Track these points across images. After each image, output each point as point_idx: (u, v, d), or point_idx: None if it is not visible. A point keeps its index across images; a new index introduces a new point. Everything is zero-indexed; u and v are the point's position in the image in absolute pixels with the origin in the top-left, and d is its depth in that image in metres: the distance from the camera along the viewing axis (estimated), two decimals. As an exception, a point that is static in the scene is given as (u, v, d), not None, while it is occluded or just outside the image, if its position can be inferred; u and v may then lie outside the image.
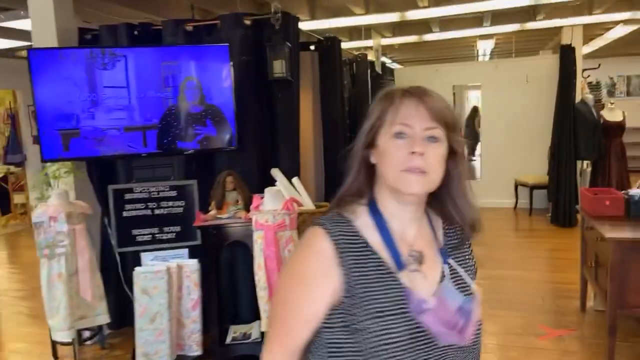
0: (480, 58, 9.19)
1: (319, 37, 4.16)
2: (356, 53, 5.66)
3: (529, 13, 6.11)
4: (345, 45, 6.95)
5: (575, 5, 5.77)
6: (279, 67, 3.02)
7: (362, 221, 0.94)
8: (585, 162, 6.44)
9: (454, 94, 11.92)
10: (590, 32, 7.36)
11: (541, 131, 6.68)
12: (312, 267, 0.91)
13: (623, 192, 3.31)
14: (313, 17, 4.97)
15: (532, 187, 6.59)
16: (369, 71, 6.15)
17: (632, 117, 6.42)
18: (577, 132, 5.93)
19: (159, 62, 2.91)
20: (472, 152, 9.35)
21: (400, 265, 0.91)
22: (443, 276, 0.94)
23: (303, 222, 2.85)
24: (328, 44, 4.13)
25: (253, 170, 3.15)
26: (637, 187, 3.33)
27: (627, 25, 6.24)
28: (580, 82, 6.27)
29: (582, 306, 3.58)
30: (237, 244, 2.99)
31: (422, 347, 0.88)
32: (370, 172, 0.95)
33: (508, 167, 7.05)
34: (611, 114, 6.14)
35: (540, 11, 5.75)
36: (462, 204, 0.95)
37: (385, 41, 6.73)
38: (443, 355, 0.90)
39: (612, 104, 6.31)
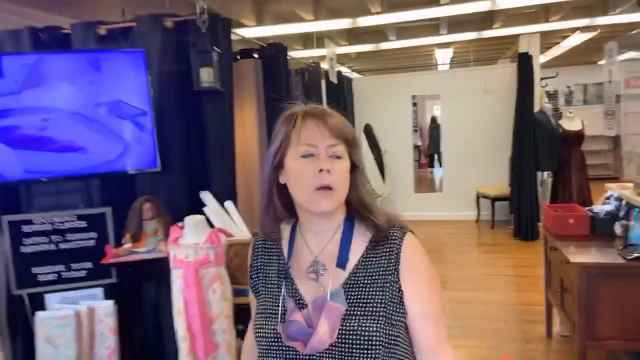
0: (440, 67, 9.05)
1: (261, 44, 3.81)
2: (309, 62, 5.34)
3: (485, 21, 5.96)
4: (298, 54, 6.66)
5: (531, 13, 5.64)
6: (206, 76, 2.64)
7: (285, 233, 1.08)
8: (545, 173, 6.30)
9: (414, 104, 11.87)
10: (548, 40, 7.31)
11: (502, 141, 6.53)
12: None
13: (587, 208, 3.08)
14: (261, 23, 4.63)
15: (494, 199, 6.41)
16: (323, 81, 5.86)
17: (590, 125, 6.33)
18: (537, 142, 5.78)
19: (63, 71, 2.48)
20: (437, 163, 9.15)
21: (285, 275, 1.03)
22: (339, 286, 0.98)
23: (235, 256, 2.47)
24: (272, 51, 3.78)
25: (179, 194, 2.75)
26: (601, 203, 3.10)
27: (584, 32, 6.16)
28: (538, 91, 6.15)
29: (547, 332, 3.32)
30: (162, 281, 2.58)
31: (283, 351, 0.97)
32: (284, 191, 1.02)
33: (469, 178, 6.87)
34: (570, 123, 6.02)
35: (496, 19, 5.60)
36: (366, 212, 1.01)
37: (341, 50, 6.46)
38: None
39: (570, 112, 6.20)
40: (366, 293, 0.96)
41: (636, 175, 2.97)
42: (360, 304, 0.96)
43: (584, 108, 9.71)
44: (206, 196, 2.69)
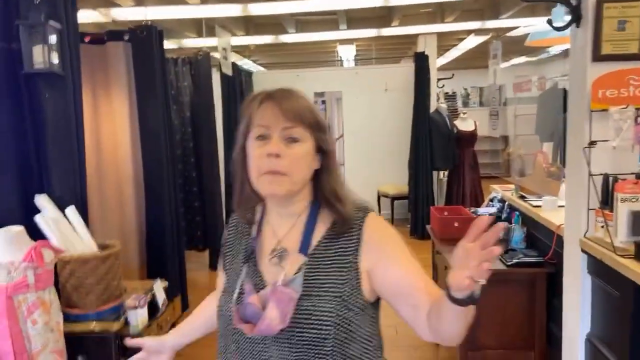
0: (345, 64, 8.99)
1: (132, 27, 3.34)
2: (197, 51, 4.91)
3: (384, 19, 5.90)
4: (191, 42, 6.18)
5: (428, 13, 5.66)
6: (40, 56, 2.17)
7: (257, 216, 1.08)
8: (441, 172, 6.41)
9: (323, 101, 11.77)
10: (445, 42, 7.46)
11: (402, 141, 6.55)
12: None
13: (472, 210, 3.02)
14: (140, 4, 4.14)
15: (394, 198, 6.41)
16: (219, 73, 5.46)
17: (483, 126, 6.55)
18: (433, 142, 5.85)
19: None
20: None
21: (246, 258, 1.04)
22: (298, 271, 0.96)
23: (71, 275, 2.04)
24: (144, 34, 3.33)
25: (9, 199, 2.25)
26: (486, 204, 3.06)
27: (478, 35, 6.33)
28: (435, 92, 6.23)
29: (435, 337, 3.24)
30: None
31: (238, 332, 0.97)
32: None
33: (371, 177, 6.83)
34: (464, 124, 6.17)
35: (394, 17, 5.55)
36: (333, 199, 0.99)
37: (238, 41, 6.08)
38: (252, 344, 0.97)
39: (464, 113, 6.36)
40: (324, 275, 0.95)
41: (517, 176, 2.95)
42: (316, 285, 0.95)
43: (479, 109, 10.20)
44: (42, 201, 2.22)
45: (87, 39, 3.25)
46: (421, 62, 5.89)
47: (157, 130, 3.41)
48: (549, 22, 1.92)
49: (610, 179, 1.77)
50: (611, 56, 1.78)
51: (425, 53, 5.93)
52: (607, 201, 1.79)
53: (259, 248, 1.04)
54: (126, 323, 2.08)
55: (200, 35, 6.16)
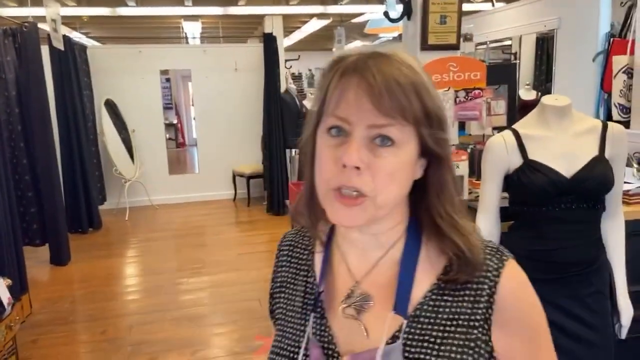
0: (191, 42, 8.69)
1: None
2: (22, 22, 4.33)
3: (231, -3, 5.89)
4: (10, 11, 5.40)
5: (274, -5, 5.81)
6: None
7: (322, 238, 0.72)
8: (293, 150, 6.70)
9: (167, 79, 11.23)
10: (290, 24, 7.70)
11: (254, 120, 6.67)
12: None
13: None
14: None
15: (249, 177, 6.53)
16: (46, 47, 4.88)
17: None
18: (284, 121, 6.08)
19: None
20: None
21: (310, 306, 0.69)
22: (395, 337, 0.62)
23: None
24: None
25: None
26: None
27: (320, 19, 6.67)
28: (284, 72, 6.44)
29: (297, 303, 3.47)
30: None
31: None
32: None
33: (225, 157, 6.84)
34: (310, 104, 6.51)
35: (242, -4, 5.58)
36: (446, 228, 0.63)
37: (69, 11, 5.48)
38: None
39: (312, 94, 6.70)
40: (433, 351, 0.61)
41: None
42: None
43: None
44: None
45: None
46: (270, 43, 6.02)
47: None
48: (386, 14, 2.17)
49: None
50: (435, 46, 2.11)
51: (273, 34, 6.08)
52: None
53: (327, 290, 0.70)
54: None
55: (22, 4, 5.42)
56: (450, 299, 0.63)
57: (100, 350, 2.98)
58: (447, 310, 0.62)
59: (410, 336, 0.62)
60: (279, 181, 6.05)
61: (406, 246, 0.65)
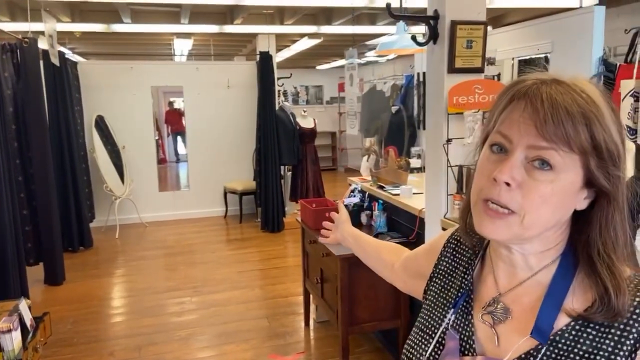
0: (178, 59, 8.67)
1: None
2: (23, 37, 4.26)
3: (226, 16, 5.91)
4: (5, 26, 5.29)
5: (269, 14, 5.86)
6: None
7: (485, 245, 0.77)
8: (286, 167, 6.73)
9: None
10: (280, 43, 7.77)
11: (246, 137, 6.70)
12: (431, 241, 0.90)
13: (337, 201, 3.31)
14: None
15: (242, 194, 6.50)
16: (41, 62, 4.81)
17: (321, 123, 7.06)
18: (279, 138, 6.11)
19: None
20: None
21: (461, 300, 0.74)
22: (529, 357, 0.63)
23: None
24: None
25: None
26: (347, 196, 3.39)
27: (311, 39, 6.77)
28: (277, 89, 6.50)
29: (306, 321, 3.47)
30: None
31: None
32: None
33: (216, 174, 6.81)
34: (305, 121, 6.58)
35: (237, 16, 5.61)
36: (601, 266, 0.62)
37: (62, 27, 5.42)
38: None
39: (304, 111, 6.77)
40: None
41: (374, 169, 3.34)
42: None
43: (309, 107, 10.90)
44: None
45: None
46: (265, 61, 6.08)
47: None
48: (413, 38, 2.25)
49: (464, 169, 2.19)
50: (461, 69, 2.19)
51: (269, 52, 6.14)
52: (462, 187, 2.21)
53: (477, 293, 0.74)
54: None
55: (13, 18, 5.32)
56: (593, 332, 0.62)
57: (111, 373, 2.91)
58: (588, 343, 0.62)
59: (545, 358, 0.62)
60: (273, 198, 6.05)
61: (557, 273, 0.66)
